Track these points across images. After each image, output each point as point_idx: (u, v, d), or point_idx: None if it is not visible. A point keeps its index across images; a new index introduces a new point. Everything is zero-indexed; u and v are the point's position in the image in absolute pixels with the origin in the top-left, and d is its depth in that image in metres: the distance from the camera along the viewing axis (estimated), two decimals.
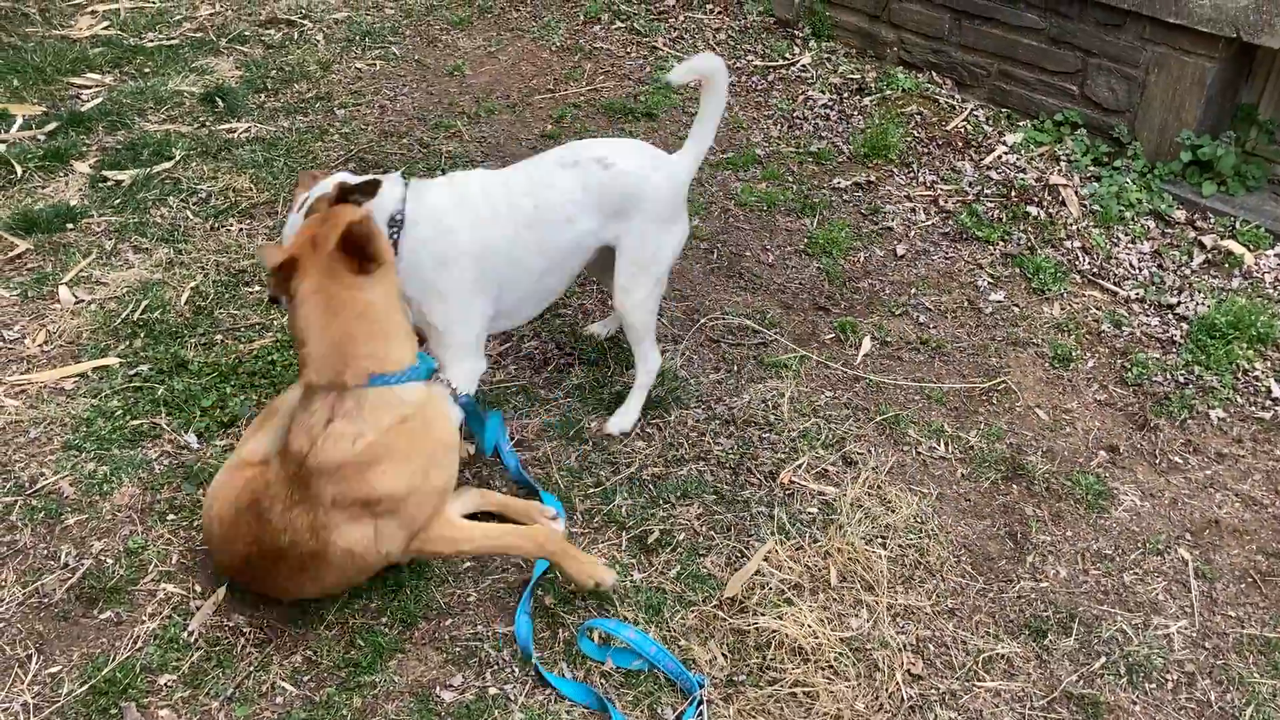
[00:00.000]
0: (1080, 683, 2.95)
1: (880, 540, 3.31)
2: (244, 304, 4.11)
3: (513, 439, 3.58)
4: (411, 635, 2.97)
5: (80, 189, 4.75)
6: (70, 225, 4.48)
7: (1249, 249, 4.59)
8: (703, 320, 4.18)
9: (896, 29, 5.87)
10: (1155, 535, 3.42)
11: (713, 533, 3.30)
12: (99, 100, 5.42)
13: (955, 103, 5.59)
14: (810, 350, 4.08)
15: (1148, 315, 4.36)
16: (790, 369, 3.97)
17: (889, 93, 5.66)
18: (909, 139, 5.37)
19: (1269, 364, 4.06)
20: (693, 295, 4.33)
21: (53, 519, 3.20)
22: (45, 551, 3.11)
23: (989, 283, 4.52)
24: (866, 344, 4.13)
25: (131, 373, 3.75)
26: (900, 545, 3.30)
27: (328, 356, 2.64)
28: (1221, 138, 4.86)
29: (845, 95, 5.73)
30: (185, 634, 2.90)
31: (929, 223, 4.86)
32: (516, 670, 2.89)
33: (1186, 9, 4.65)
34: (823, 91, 5.76)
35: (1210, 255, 4.62)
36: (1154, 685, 2.97)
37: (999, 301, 4.41)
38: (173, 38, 6.16)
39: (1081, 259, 4.64)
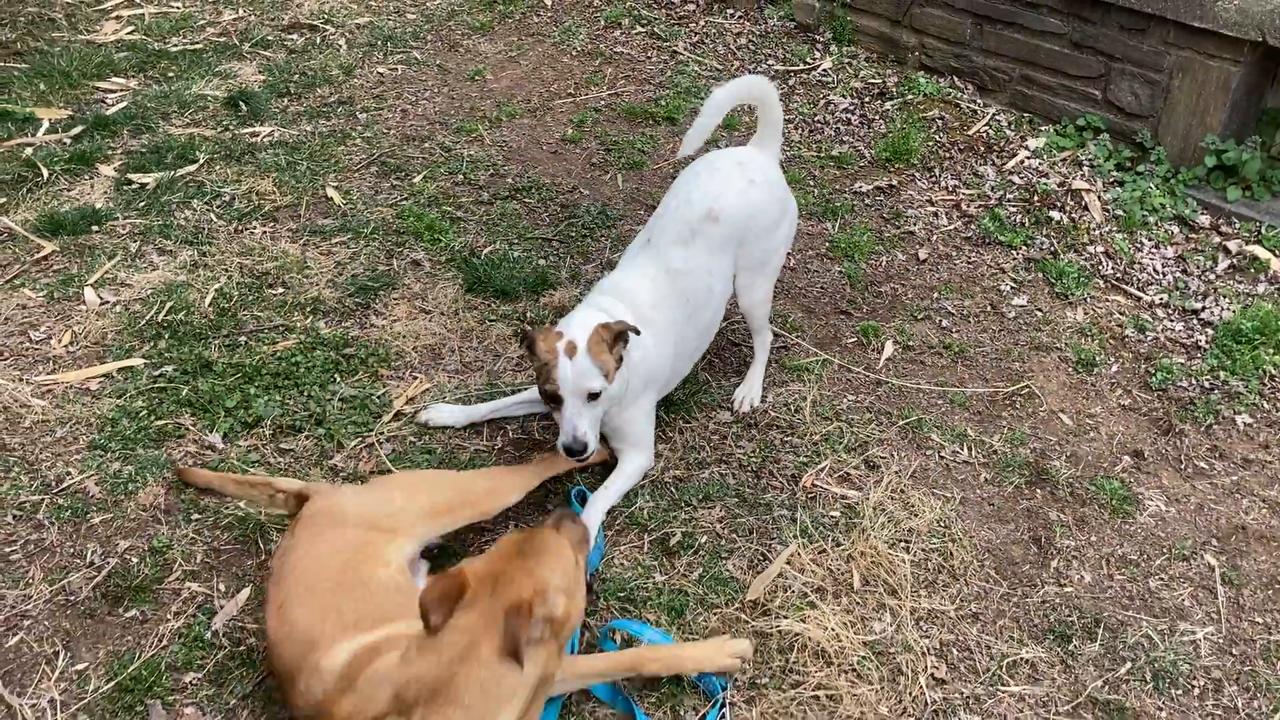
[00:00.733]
0: (1105, 688, 2.93)
1: (903, 544, 3.30)
2: (268, 305, 4.13)
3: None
4: None
5: (105, 192, 4.78)
6: (95, 227, 4.52)
7: (1275, 254, 4.56)
8: (724, 324, 4.17)
9: (918, 34, 5.86)
10: (1181, 541, 3.39)
11: (735, 535, 3.30)
12: (124, 104, 5.46)
13: (977, 107, 5.57)
14: (832, 354, 4.07)
15: (1172, 320, 4.33)
16: (812, 372, 3.96)
17: (910, 97, 5.65)
18: (931, 143, 5.36)
19: None
20: None
21: (79, 518, 3.22)
22: (72, 550, 3.13)
23: (1012, 287, 4.50)
24: (889, 348, 4.12)
25: (156, 373, 3.77)
26: (923, 549, 3.29)
27: (421, 682, 2.28)
28: (1246, 143, 4.83)
29: (867, 100, 5.73)
30: (209, 633, 2.92)
31: (951, 227, 4.85)
32: None
33: (1211, 12, 4.63)
34: (844, 96, 5.76)
35: (1235, 260, 4.58)
36: (1180, 691, 2.94)
37: (1022, 306, 4.39)
38: (196, 42, 6.20)
39: (1105, 264, 4.62)
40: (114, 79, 5.74)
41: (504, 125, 5.49)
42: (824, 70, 5.98)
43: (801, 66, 6.04)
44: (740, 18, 6.52)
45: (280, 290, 4.23)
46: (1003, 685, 2.93)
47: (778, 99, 3.67)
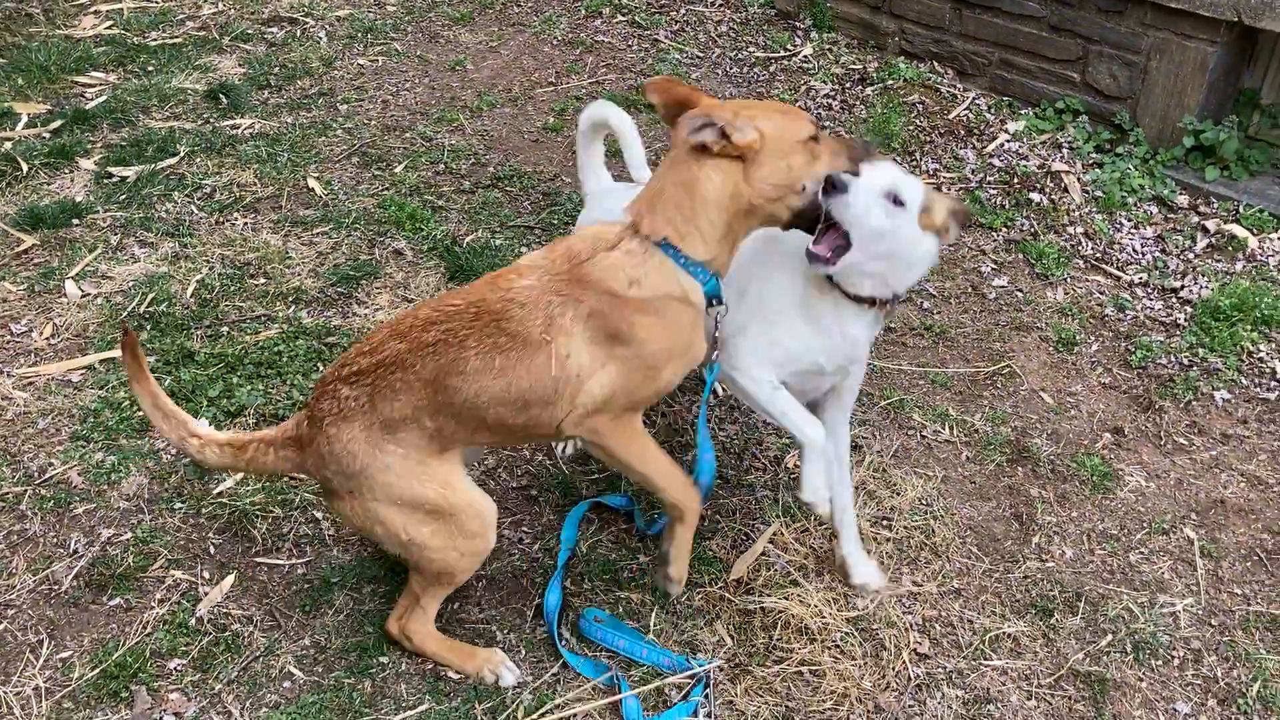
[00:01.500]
0: (1087, 660, 2.96)
1: (885, 522, 3.32)
2: (250, 296, 4.13)
3: None
4: None
5: (85, 185, 4.77)
6: (76, 221, 4.50)
7: (1253, 233, 4.59)
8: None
9: (898, 19, 5.87)
10: (1161, 515, 3.42)
11: (718, 516, 3.31)
12: (103, 98, 5.44)
13: (957, 91, 5.59)
14: None
15: (1151, 299, 4.36)
16: None
17: (891, 82, 5.67)
18: (911, 128, 5.38)
19: (1274, 345, 4.06)
20: None
21: (62, 508, 3.22)
22: (55, 540, 3.13)
23: (992, 268, 4.52)
24: None
25: None
26: (906, 527, 3.31)
27: (647, 196, 2.64)
28: (1224, 123, 4.86)
29: (847, 85, 5.74)
30: (194, 620, 2.92)
31: None
32: (524, 651, 2.90)
33: None
34: (825, 82, 5.77)
35: (1214, 239, 4.61)
36: (1160, 662, 2.97)
37: (1003, 286, 4.41)
38: (176, 36, 6.18)
39: (1085, 244, 4.65)
40: (93, 73, 5.72)
41: (485, 115, 5.49)
42: (805, 57, 5.99)
43: (782, 53, 6.05)
44: (721, 5, 6.52)
45: (262, 280, 4.23)
46: (985, 659, 2.95)
47: (629, 125, 3.33)
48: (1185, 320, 4.21)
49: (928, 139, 5.31)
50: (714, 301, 2.69)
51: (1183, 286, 4.38)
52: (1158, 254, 4.57)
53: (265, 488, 3.32)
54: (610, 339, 2.57)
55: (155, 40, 6.11)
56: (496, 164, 5.07)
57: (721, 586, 3.08)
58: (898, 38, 5.90)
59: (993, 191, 4.92)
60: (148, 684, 2.75)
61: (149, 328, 3.93)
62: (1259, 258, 4.48)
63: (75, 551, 3.09)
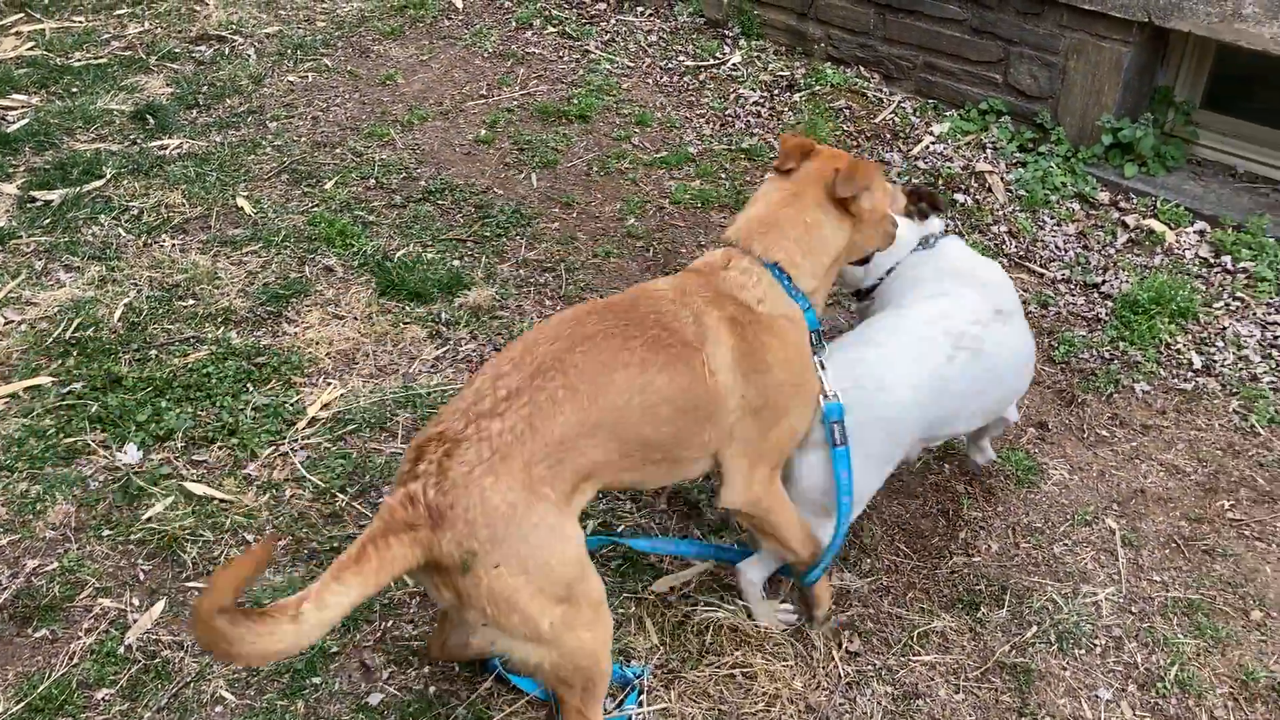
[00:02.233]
0: (1013, 652, 3.02)
1: None
2: (178, 318, 4.09)
3: None
4: (354, 638, 2.98)
5: (8, 210, 4.70)
6: None
7: (1170, 227, 4.71)
8: None
9: (824, 25, 5.95)
10: (1084, 507, 3.50)
11: (653, 524, 3.34)
12: (25, 121, 5.36)
13: (883, 95, 5.68)
14: None
15: (1074, 295, 4.46)
16: None
17: (818, 88, 5.74)
18: (839, 133, 5.45)
19: (1190, 337, 4.17)
20: None
21: None
22: None
23: None
24: None
25: (64, 391, 3.72)
26: None
27: (756, 221, 2.75)
28: (1140, 120, 4.99)
29: (776, 92, 5.81)
30: (122, 648, 2.90)
31: None
32: (458, 667, 2.90)
33: None
34: (753, 89, 5.83)
35: (1133, 234, 4.73)
36: (1083, 651, 3.04)
37: None
38: (100, 57, 6.10)
39: (1009, 242, 4.74)
40: (14, 96, 5.63)
41: (416, 129, 5.48)
42: (733, 65, 6.05)
43: (711, 61, 6.10)
44: (650, 15, 6.57)
45: (191, 302, 4.20)
46: (914, 655, 3.01)
47: None
48: (1106, 315, 4.32)
49: (855, 143, 5.39)
50: (814, 338, 2.77)
51: (1104, 281, 4.48)
52: (1080, 250, 4.68)
53: (195, 510, 3.30)
54: (745, 359, 2.58)
55: (79, 61, 6.04)
56: (428, 177, 5.07)
57: (655, 595, 3.11)
58: (824, 43, 5.98)
59: None
60: (74, 716, 2.72)
61: (75, 354, 3.89)
62: (1175, 251, 4.60)
63: None
